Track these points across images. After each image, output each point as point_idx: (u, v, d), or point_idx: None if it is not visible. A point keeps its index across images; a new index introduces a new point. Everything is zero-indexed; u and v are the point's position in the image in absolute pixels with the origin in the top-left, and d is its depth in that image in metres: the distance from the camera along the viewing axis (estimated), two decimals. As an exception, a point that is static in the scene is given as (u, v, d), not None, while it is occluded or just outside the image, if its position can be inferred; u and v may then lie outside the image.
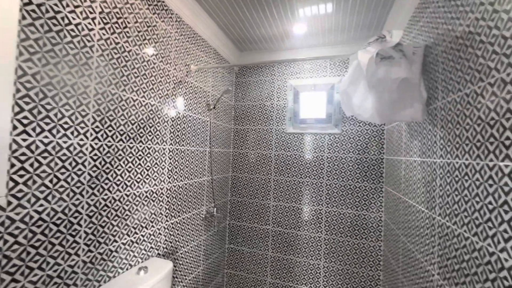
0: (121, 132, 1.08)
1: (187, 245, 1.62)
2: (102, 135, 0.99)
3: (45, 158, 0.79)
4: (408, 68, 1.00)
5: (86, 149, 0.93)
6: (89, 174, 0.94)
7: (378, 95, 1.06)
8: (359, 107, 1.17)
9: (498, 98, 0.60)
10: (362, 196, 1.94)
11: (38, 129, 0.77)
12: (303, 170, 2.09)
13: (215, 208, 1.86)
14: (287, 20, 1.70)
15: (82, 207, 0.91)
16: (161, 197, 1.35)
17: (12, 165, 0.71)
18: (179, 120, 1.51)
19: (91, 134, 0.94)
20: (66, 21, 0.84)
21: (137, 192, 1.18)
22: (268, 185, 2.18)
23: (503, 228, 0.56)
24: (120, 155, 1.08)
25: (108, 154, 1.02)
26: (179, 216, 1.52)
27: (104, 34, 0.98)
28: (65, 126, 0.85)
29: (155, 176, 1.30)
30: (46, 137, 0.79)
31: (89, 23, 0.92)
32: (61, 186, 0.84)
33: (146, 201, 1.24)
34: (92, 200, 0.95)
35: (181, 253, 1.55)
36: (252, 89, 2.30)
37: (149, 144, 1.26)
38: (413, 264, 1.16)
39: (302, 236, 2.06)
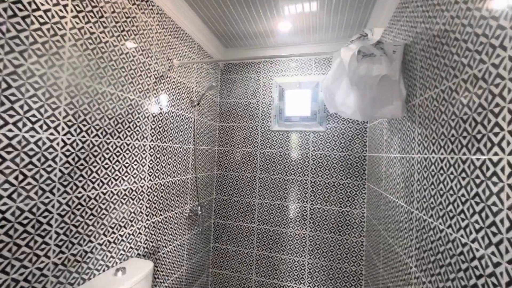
0: (97, 127, 1.03)
1: (170, 245, 1.57)
2: (75, 130, 0.93)
3: (9, 153, 0.73)
4: (388, 66, 1.02)
5: (57, 144, 0.87)
6: (60, 170, 0.88)
7: (359, 92, 1.08)
8: (342, 104, 1.18)
9: (471, 93, 0.62)
10: (346, 193, 1.97)
11: (0, 122, 0.71)
12: (288, 167, 2.10)
13: (200, 207, 1.82)
14: (272, 17, 1.69)
15: (53, 206, 0.86)
16: (141, 195, 1.30)
17: (-30, 160, 0.65)
18: (161, 116, 1.46)
19: (63, 129, 0.89)
20: (34, 6, 0.78)
21: (115, 190, 1.13)
22: (254, 183, 2.17)
23: (475, 219, 0.58)
24: (95, 151, 1.02)
25: (83, 150, 0.97)
26: (161, 215, 1.47)
27: (77, 23, 0.93)
28: (33, 119, 0.79)
29: (135, 173, 1.25)
30: (10, 130, 0.73)
31: (60, 10, 0.87)
32: (28, 183, 0.78)
33: (124, 199, 1.19)
34: (64, 198, 0.90)
35: (163, 253, 1.51)
36: (238, 86, 2.28)
37: (128, 140, 1.21)
38: (392, 258, 1.18)
39: (287, 233, 2.07)
